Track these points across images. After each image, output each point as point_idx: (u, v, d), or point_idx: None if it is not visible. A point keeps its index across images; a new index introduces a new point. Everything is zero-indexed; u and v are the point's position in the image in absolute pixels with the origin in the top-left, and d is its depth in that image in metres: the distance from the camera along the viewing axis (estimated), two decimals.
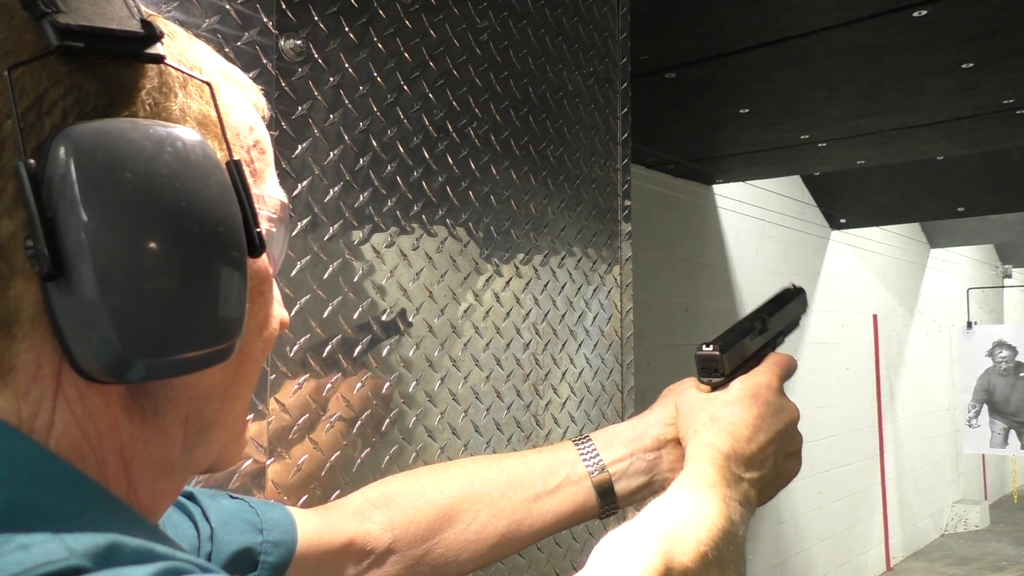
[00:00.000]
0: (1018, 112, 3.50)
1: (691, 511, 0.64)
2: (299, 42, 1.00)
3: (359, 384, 1.06)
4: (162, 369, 0.41)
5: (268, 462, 0.95)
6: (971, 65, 2.94)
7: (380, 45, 1.11)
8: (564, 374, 1.38)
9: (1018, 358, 7.11)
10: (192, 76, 0.46)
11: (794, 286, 0.92)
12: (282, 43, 0.98)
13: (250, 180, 0.48)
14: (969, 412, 7.29)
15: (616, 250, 1.51)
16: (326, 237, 1.04)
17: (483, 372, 1.23)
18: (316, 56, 1.04)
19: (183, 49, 0.48)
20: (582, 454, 0.83)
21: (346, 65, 1.07)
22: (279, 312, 0.55)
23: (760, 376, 0.80)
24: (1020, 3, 2.35)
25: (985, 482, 9.26)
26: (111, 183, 0.39)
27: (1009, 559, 7.13)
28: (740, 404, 0.77)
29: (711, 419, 0.76)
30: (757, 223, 5.50)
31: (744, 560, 0.66)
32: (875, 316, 7.06)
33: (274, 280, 0.54)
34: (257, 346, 0.51)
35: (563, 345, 1.38)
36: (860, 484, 6.62)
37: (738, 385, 0.79)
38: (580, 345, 1.41)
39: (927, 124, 3.75)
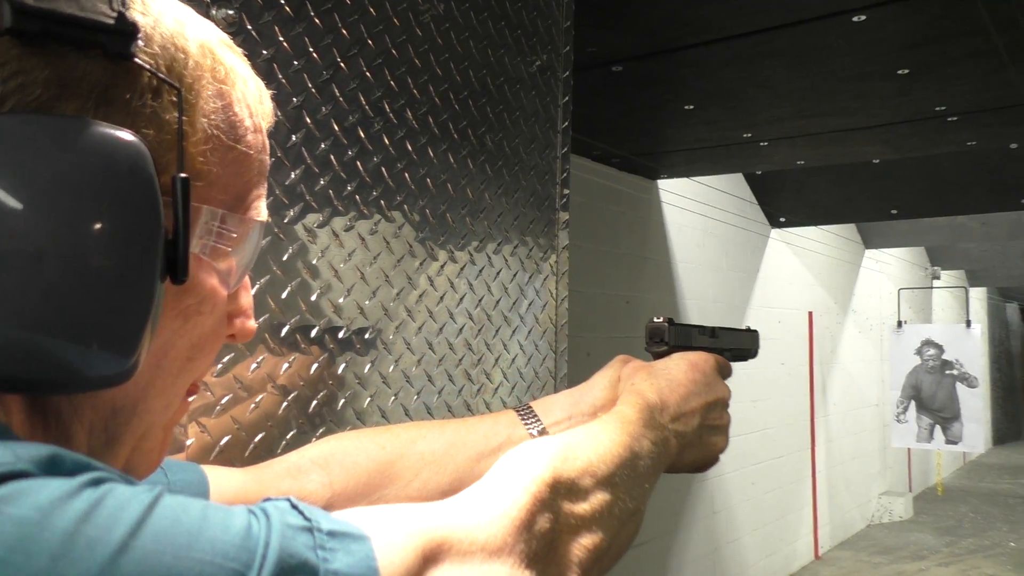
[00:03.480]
0: (949, 119, 3.61)
1: (590, 437, 0.67)
2: (231, 12, 0.98)
3: (286, 365, 1.05)
4: (41, 387, 0.40)
5: (188, 443, 0.93)
6: (907, 72, 3.03)
7: (317, 20, 1.09)
8: (497, 360, 1.38)
9: (944, 356, 7.38)
10: (163, 80, 0.44)
11: (751, 329, 0.99)
12: (214, 12, 0.96)
13: (220, 195, 0.47)
14: (897, 408, 7.54)
15: (553, 238, 1.51)
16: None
17: (415, 356, 1.22)
18: (249, 28, 1.01)
19: (174, 41, 0.46)
20: (523, 418, 0.85)
21: (281, 39, 1.05)
22: (240, 324, 0.54)
23: (700, 353, 0.85)
24: (954, 13, 2.42)
25: (910, 475, 9.60)
26: None
27: (930, 549, 7.42)
28: (678, 368, 0.81)
29: (648, 374, 0.80)
30: (700, 219, 5.58)
31: (643, 492, 0.69)
32: (810, 313, 7.24)
33: (244, 291, 0.54)
34: (182, 364, 0.50)
35: (497, 331, 1.38)
36: (792, 476, 6.80)
37: (679, 354, 0.84)
38: (514, 332, 1.42)
39: (865, 127, 3.85)
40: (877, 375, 8.78)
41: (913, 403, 7.46)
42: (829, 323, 7.69)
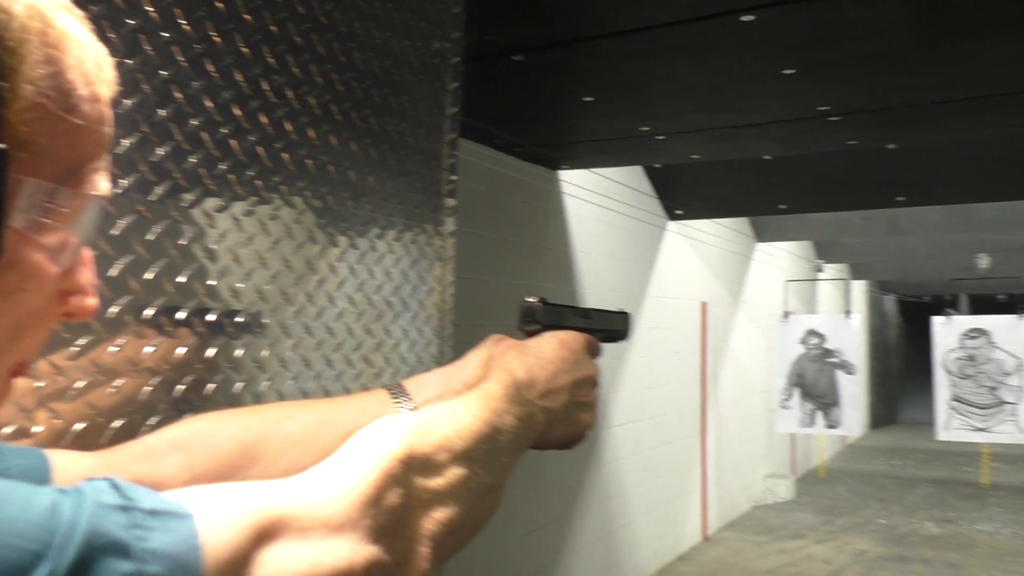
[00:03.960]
0: (831, 119, 3.79)
1: (449, 413, 0.67)
2: None
3: (150, 348, 1.01)
4: None
5: (35, 429, 0.88)
6: (792, 72, 3.16)
7: None
8: (379, 345, 1.37)
9: (826, 345, 7.78)
10: None
11: (623, 311, 1.01)
12: None
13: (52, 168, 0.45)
14: (782, 394, 7.91)
15: (440, 224, 1.51)
16: (119, 192, 0.98)
17: (291, 340, 1.20)
18: None
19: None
20: (394, 396, 0.85)
21: (148, 8, 1.01)
22: (77, 302, 0.52)
23: (571, 332, 0.86)
24: (831, 19, 2.54)
25: (793, 458, 10.10)
26: None
27: (809, 527, 7.83)
28: (548, 346, 0.83)
29: (519, 352, 0.81)
30: (600, 210, 5.69)
31: (502, 467, 0.70)
32: (704, 303, 7.49)
33: (83, 268, 0.51)
34: (3, 344, 0.48)
35: (379, 316, 1.37)
36: (683, 460, 7.04)
37: (550, 333, 0.85)
38: (397, 317, 1.41)
39: (755, 124, 4.00)
40: (765, 363, 9.18)
41: (797, 390, 7.84)
42: (722, 313, 7.98)
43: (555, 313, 0.87)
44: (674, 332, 6.89)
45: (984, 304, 14.22)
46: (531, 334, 0.85)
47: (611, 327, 0.97)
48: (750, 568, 6.53)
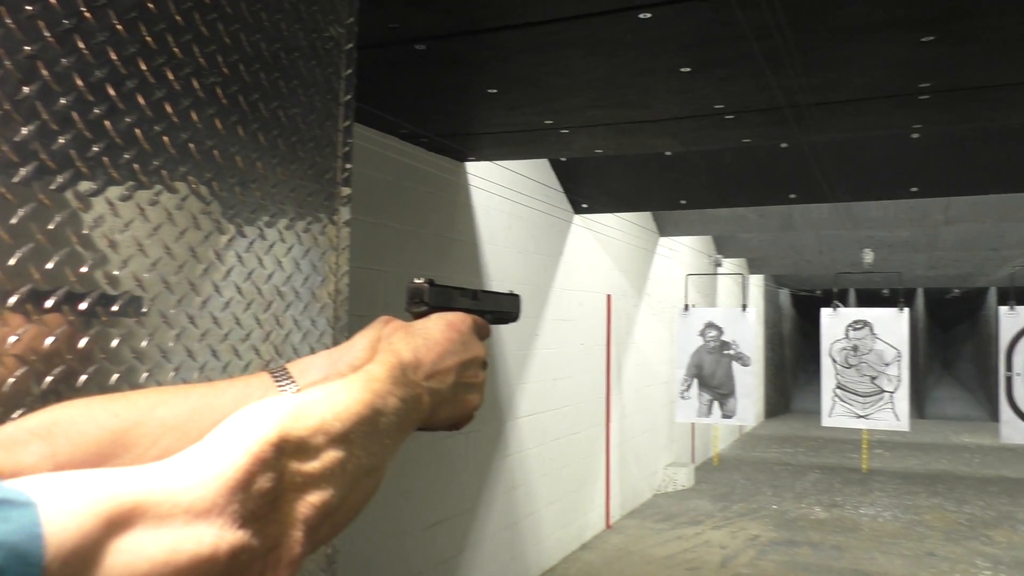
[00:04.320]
0: (727, 117, 3.93)
1: (328, 395, 0.66)
2: None
3: (14, 337, 0.96)
4: None
5: None
6: (688, 70, 3.25)
7: None
8: (268, 335, 1.34)
9: (723, 337, 8.06)
10: None
11: (513, 293, 1.01)
12: None
13: None
14: (682, 385, 8.16)
15: (334, 212, 1.49)
16: None
17: (173, 330, 1.16)
18: None
19: None
20: (277, 380, 0.82)
21: None
22: None
23: (458, 313, 0.87)
24: (720, 19, 2.63)
25: (693, 447, 10.43)
26: None
27: (706, 513, 8.11)
28: (436, 327, 0.83)
29: (406, 333, 0.81)
30: (507, 203, 5.72)
31: (383, 449, 0.69)
32: (609, 296, 7.64)
33: None
34: None
35: (269, 305, 1.34)
36: (587, 450, 7.17)
37: (438, 314, 0.85)
38: (288, 306, 1.38)
39: (654, 120, 4.10)
40: (667, 355, 9.44)
41: (696, 381, 8.10)
42: (626, 306, 8.15)
43: (443, 294, 0.86)
44: (579, 324, 7.00)
45: (869, 297, 15.04)
46: (418, 315, 0.85)
47: (500, 308, 0.97)
48: (650, 555, 6.72)
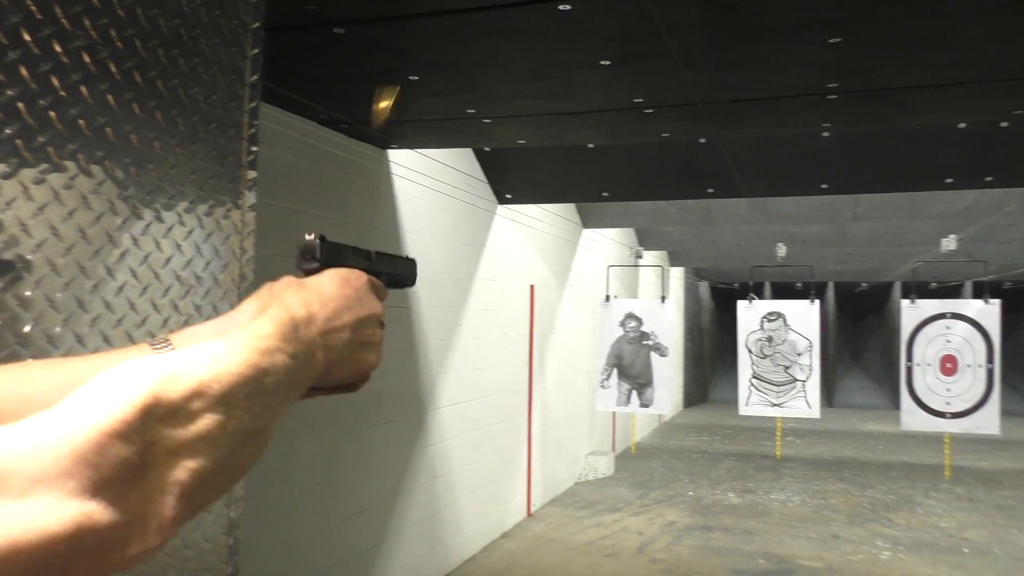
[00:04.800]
0: (646, 111, 3.99)
1: (207, 354, 0.62)
2: None
3: None
4: None
5: None
6: (609, 63, 3.29)
7: None
8: (166, 321, 1.30)
9: (643, 328, 8.21)
10: None
11: (409, 257, 0.99)
12: None
13: None
14: (602, 375, 8.29)
15: (238, 196, 1.45)
16: None
17: (60, 315, 1.11)
18: None
19: None
20: (157, 349, 0.78)
21: None
22: None
23: (354, 271, 0.83)
24: (637, 13, 2.67)
25: (614, 436, 10.61)
26: None
27: (626, 501, 8.27)
28: (330, 282, 0.79)
29: (298, 288, 0.76)
30: (430, 192, 5.68)
31: (269, 410, 0.65)
32: (532, 286, 7.69)
33: None
34: None
35: (167, 291, 1.30)
36: (510, 440, 7.21)
37: (332, 270, 0.81)
38: (188, 292, 1.34)
39: (576, 112, 4.14)
40: (589, 345, 9.56)
41: (615, 370, 8.23)
42: (549, 296, 8.22)
43: (335, 251, 0.83)
44: (503, 314, 7.03)
45: (783, 290, 15.56)
46: (309, 272, 0.81)
47: (396, 271, 0.94)
48: (569, 542, 6.81)
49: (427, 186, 5.64)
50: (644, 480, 9.31)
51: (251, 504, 3.87)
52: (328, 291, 0.78)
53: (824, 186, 5.84)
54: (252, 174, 1.47)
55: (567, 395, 8.79)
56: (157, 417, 0.55)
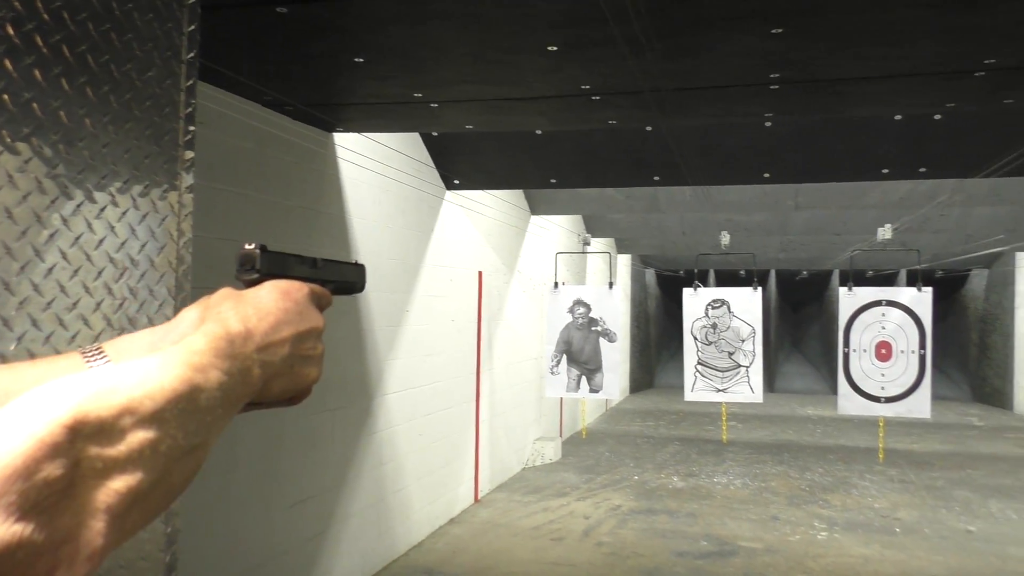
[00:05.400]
0: (594, 98, 4.01)
1: (138, 371, 0.61)
2: None
3: None
4: None
5: None
6: (555, 49, 3.29)
7: None
8: (99, 304, 1.26)
9: (591, 314, 8.28)
10: None
11: (358, 263, 0.97)
12: None
13: None
14: (552, 361, 8.33)
15: (175, 176, 1.41)
16: None
17: None
18: None
19: None
20: (89, 360, 0.75)
21: None
22: None
23: (295, 282, 0.81)
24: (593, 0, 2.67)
25: (561, 422, 10.70)
26: None
27: (572, 485, 8.35)
28: (268, 296, 0.77)
29: (236, 302, 0.75)
30: (376, 176, 5.62)
31: (204, 427, 0.64)
32: (480, 273, 7.68)
33: None
34: None
35: (99, 273, 1.26)
36: (457, 426, 7.22)
37: (271, 282, 0.79)
38: (123, 274, 1.30)
39: (523, 98, 4.13)
40: (537, 331, 9.61)
41: (565, 356, 8.29)
42: (497, 282, 8.23)
43: (277, 261, 0.81)
44: (451, 300, 7.01)
45: (727, 278, 15.84)
46: (250, 284, 0.79)
47: (343, 278, 0.92)
48: (517, 527, 6.86)
49: (374, 170, 5.58)
50: (591, 465, 9.42)
51: (191, 495, 3.81)
52: (267, 305, 0.76)
53: (767, 175, 5.95)
54: (189, 154, 1.43)
55: (515, 381, 8.83)
56: (85, 436, 0.54)
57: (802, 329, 18.49)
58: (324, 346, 0.86)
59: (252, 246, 0.79)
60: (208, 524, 3.91)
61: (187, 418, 0.63)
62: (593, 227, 11.47)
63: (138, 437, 0.58)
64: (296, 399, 0.83)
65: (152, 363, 0.64)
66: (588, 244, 11.21)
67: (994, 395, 15.32)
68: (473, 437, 7.59)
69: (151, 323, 1.36)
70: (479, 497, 7.67)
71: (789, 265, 14.34)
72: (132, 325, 1.32)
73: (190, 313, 0.80)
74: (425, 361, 6.52)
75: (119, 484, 0.56)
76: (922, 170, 5.65)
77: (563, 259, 10.03)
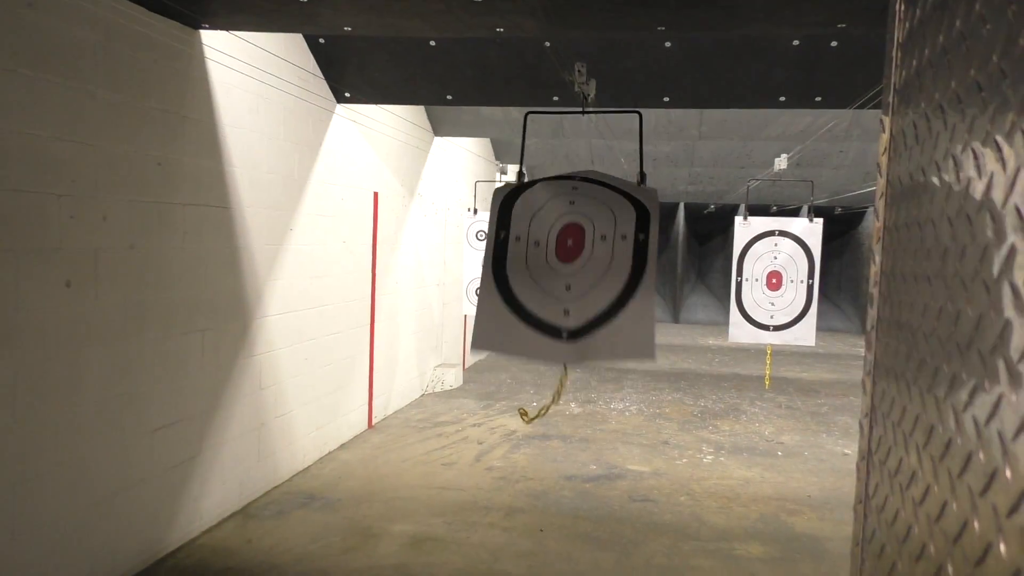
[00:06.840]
0: (476, 1, 3.73)
1: None
2: None
3: None
4: None
5: None
6: None
7: None
8: None
9: None
10: None
11: None
12: None
13: None
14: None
15: None
16: None
17: None
18: None
19: None
20: None
21: None
22: None
23: None
24: None
25: (464, 349, 10.60)
26: None
27: (469, 411, 8.30)
28: None
29: None
30: (254, 83, 5.22)
31: None
32: (376, 194, 7.38)
33: None
34: None
35: None
36: (349, 351, 7.00)
37: None
38: None
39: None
40: (439, 257, 9.39)
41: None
42: (395, 205, 7.93)
43: None
44: (342, 221, 6.71)
45: None
46: None
47: None
48: (408, 452, 6.77)
49: (251, 76, 5.17)
50: (490, 392, 9.39)
51: (27, 425, 3.50)
52: None
53: (666, 99, 5.81)
54: None
55: (415, 307, 8.64)
56: None
57: (707, 262, 18.83)
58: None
59: None
60: (51, 452, 3.62)
61: None
62: (501, 154, 11.21)
63: None
64: None
65: None
66: (504, 173, 10.97)
67: None
68: (367, 362, 7.40)
69: None
70: (373, 423, 7.54)
71: (697, 199, 14.45)
72: None
73: None
74: (312, 283, 6.24)
75: None
76: (818, 99, 5.60)
77: (472, 185, 9.78)
